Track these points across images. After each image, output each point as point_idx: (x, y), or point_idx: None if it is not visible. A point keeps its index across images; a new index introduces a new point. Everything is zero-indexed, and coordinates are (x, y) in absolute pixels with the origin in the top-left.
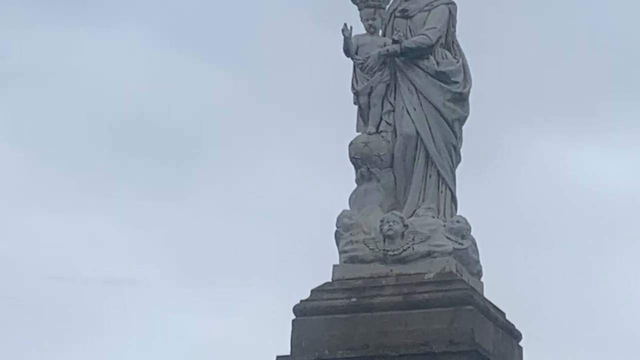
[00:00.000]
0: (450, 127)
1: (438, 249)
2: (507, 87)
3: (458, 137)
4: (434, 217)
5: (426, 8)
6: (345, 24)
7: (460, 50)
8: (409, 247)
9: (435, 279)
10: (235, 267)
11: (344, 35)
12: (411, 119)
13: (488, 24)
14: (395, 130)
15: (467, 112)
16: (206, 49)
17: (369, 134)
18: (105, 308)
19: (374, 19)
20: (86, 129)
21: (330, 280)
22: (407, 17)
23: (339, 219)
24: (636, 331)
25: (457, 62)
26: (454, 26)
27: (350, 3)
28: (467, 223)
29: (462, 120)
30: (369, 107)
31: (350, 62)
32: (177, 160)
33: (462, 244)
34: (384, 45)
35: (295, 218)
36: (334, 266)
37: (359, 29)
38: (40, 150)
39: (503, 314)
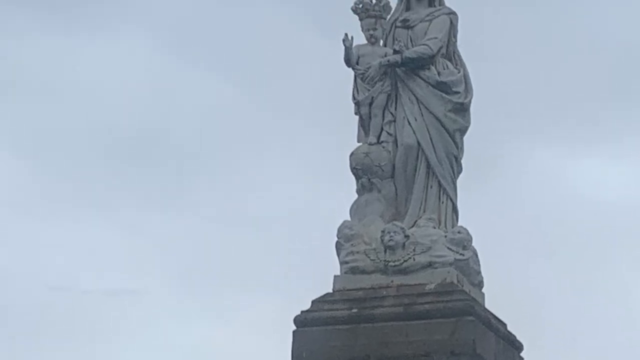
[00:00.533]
0: (451, 138)
1: (439, 260)
2: (508, 97)
3: (459, 148)
4: (435, 227)
5: (427, 18)
6: (346, 34)
7: (461, 60)
8: (409, 258)
9: (436, 289)
10: (235, 277)
11: (344, 45)
12: (412, 129)
13: (489, 34)
14: (396, 141)
15: (468, 122)
16: (206, 58)
17: (370, 144)
18: (105, 318)
19: (375, 29)
20: (86, 138)
21: (331, 291)
22: (408, 27)
23: (339, 229)
24: (637, 340)
25: (458, 72)
26: (455, 36)
27: (352, 13)
28: (468, 234)
29: (463, 130)
30: (370, 118)
31: (351, 72)
32: (177, 169)
33: (463, 255)
34: (385, 56)
35: (296, 228)
36: (335, 277)
37: (360, 39)
38: (40, 160)
39: (504, 324)
